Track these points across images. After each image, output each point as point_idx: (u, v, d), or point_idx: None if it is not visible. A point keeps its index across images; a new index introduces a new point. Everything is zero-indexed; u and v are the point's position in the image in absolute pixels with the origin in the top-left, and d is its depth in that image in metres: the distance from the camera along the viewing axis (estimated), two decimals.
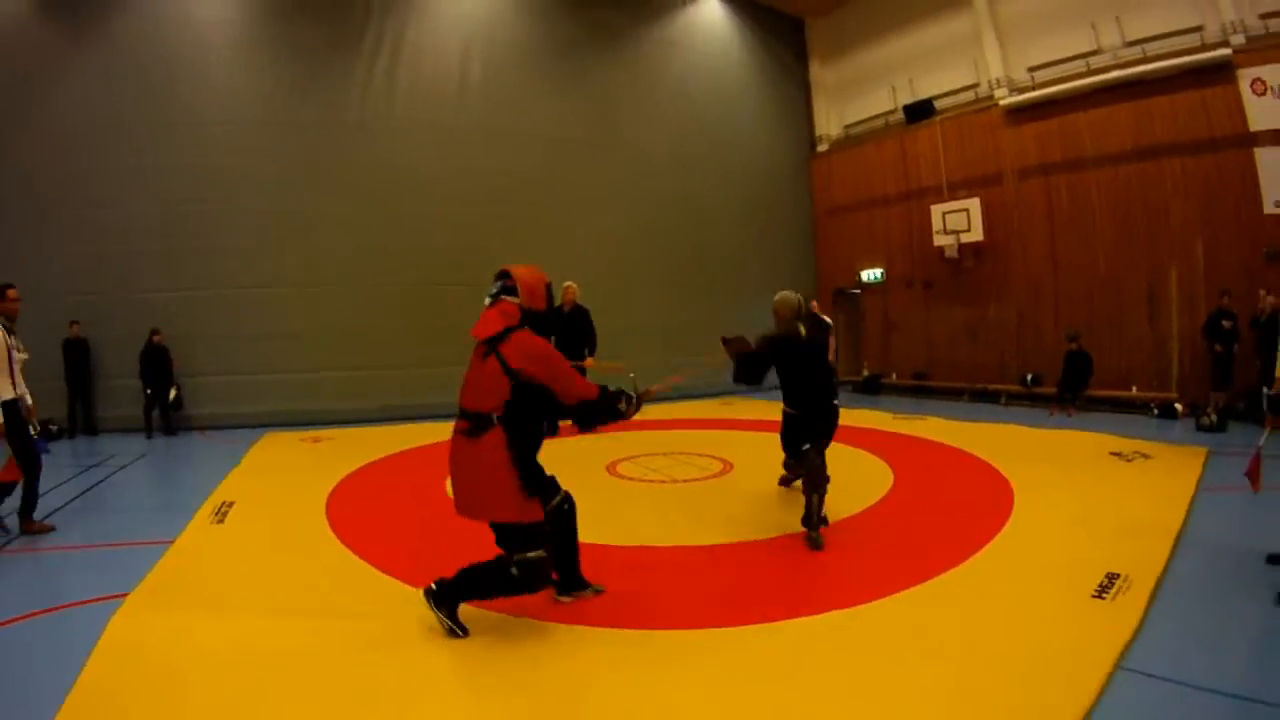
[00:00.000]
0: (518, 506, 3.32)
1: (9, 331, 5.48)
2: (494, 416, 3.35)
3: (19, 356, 5.55)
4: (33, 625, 3.82)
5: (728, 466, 7.40)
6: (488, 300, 3.67)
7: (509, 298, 3.60)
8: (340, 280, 11.50)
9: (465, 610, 3.47)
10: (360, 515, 5.85)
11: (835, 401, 5.23)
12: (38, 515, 5.62)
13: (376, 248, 11.77)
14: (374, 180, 11.80)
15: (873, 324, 15.28)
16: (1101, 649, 3.06)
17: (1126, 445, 7.61)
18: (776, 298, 5.25)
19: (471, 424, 3.39)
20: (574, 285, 8.78)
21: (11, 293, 5.55)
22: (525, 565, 3.31)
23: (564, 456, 7.53)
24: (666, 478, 7.04)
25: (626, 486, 6.76)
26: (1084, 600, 3.60)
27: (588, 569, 3.94)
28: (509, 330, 3.48)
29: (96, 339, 10.94)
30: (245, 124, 11.34)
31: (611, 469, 7.41)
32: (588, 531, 4.39)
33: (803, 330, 5.11)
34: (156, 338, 10.78)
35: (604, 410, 3.72)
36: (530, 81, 13.03)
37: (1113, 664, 2.94)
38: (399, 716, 2.80)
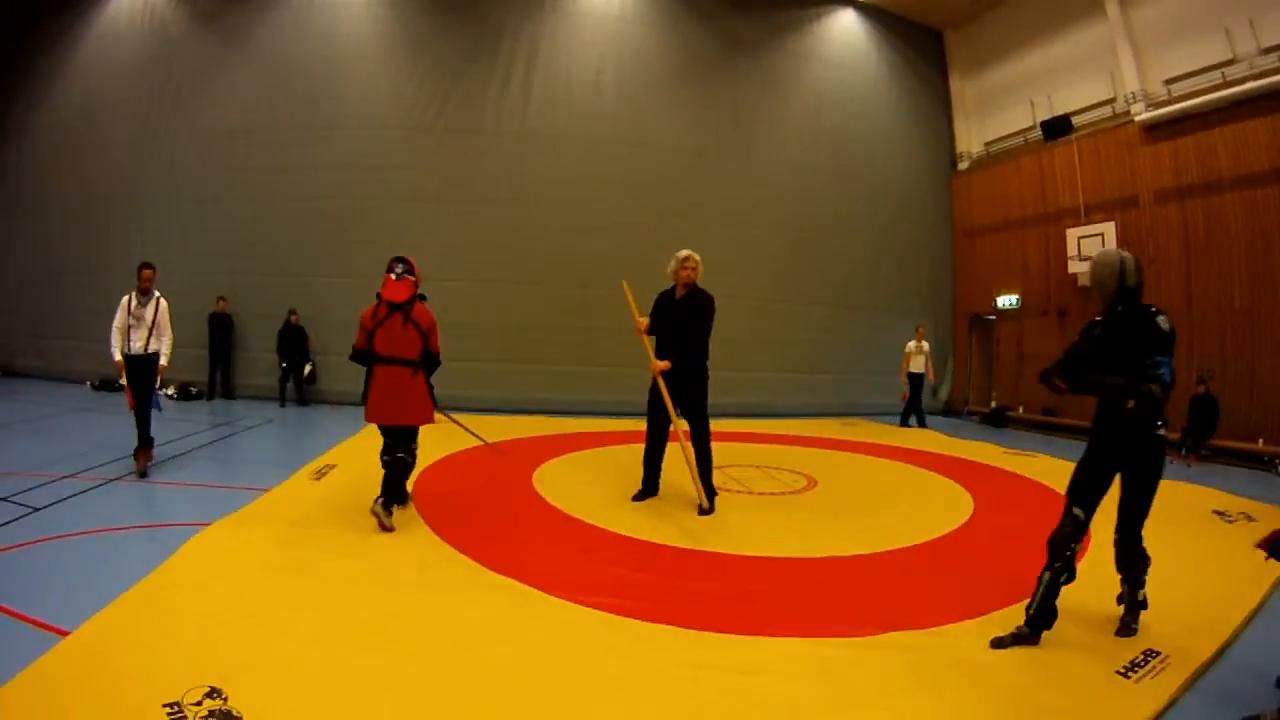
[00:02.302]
0: (428, 416, 5.82)
1: (140, 302, 7.13)
2: (417, 361, 5.73)
3: (142, 322, 7.13)
4: (130, 535, 5.23)
5: (811, 483, 8.07)
6: (394, 275, 5.96)
7: (410, 276, 5.94)
8: (468, 277, 13.39)
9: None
10: (442, 491, 6.79)
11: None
12: (155, 455, 7.40)
13: (504, 250, 13.69)
14: (507, 186, 13.81)
15: (1006, 353, 15.64)
16: None
17: (1233, 504, 7.38)
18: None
19: (410, 368, 5.72)
20: (680, 258, 6.88)
21: (146, 273, 7.17)
22: (413, 451, 5.88)
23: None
24: (745, 489, 7.64)
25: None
26: (1107, 675, 3.48)
27: (641, 567, 5.04)
28: (413, 299, 5.83)
29: (240, 314, 13.57)
30: (385, 129, 13.67)
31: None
32: (654, 535, 5.71)
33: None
34: (294, 318, 13.20)
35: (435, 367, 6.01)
36: (663, 93, 14.67)
37: None
38: (425, 649, 3.56)
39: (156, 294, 7.28)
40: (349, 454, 8.24)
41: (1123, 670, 3.50)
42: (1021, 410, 15.09)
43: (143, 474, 6.78)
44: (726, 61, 15.18)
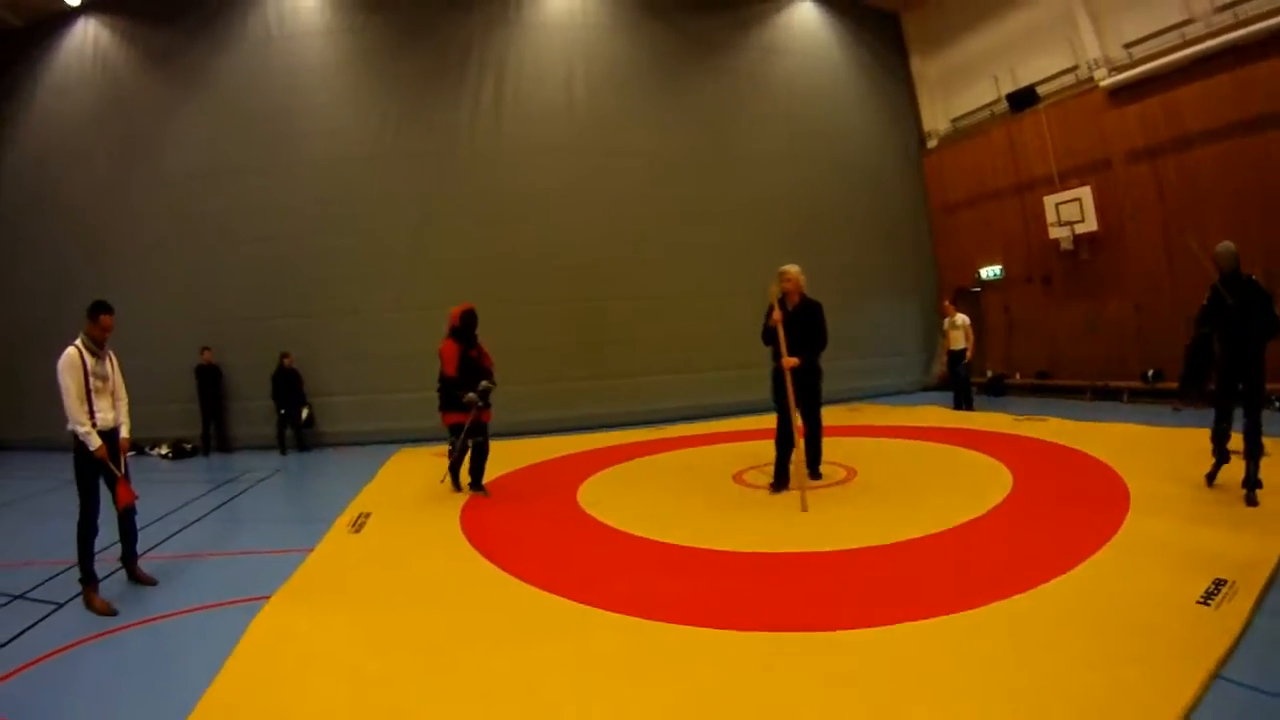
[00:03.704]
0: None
1: (96, 356, 5.67)
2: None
3: (107, 384, 5.78)
4: (181, 622, 4.91)
5: (851, 473, 8.51)
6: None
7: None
8: (458, 300, 13.85)
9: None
10: (495, 524, 7.09)
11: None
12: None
13: (495, 269, 14.27)
14: (490, 203, 14.52)
15: (995, 323, 16.96)
16: (1199, 657, 3.50)
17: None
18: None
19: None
20: (790, 272, 8.10)
21: (105, 319, 5.70)
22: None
23: (697, 462, 10.02)
24: (791, 486, 7.78)
25: (743, 493, 8.01)
26: (1188, 606, 4.10)
27: (711, 573, 5.43)
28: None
29: (230, 364, 14.00)
30: (357, 160, 14.30)
31: (738, 478, 8.74)
32: (682, 534, 6.20)
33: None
34: (287, 360, 13.64)
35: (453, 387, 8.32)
36: (635, 98, 15.62)
37: (1208, 673, 3.37)
38: (526, 705, 3.56)
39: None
40: (379, 498, 8.53)
41: (1202, 599, 4.15)
42: (1018, 376, 16.45)
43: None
44: (693, 62, 16.22)
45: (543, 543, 6.48)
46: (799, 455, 7.71)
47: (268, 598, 5.07)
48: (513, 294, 14.25)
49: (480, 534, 6.70)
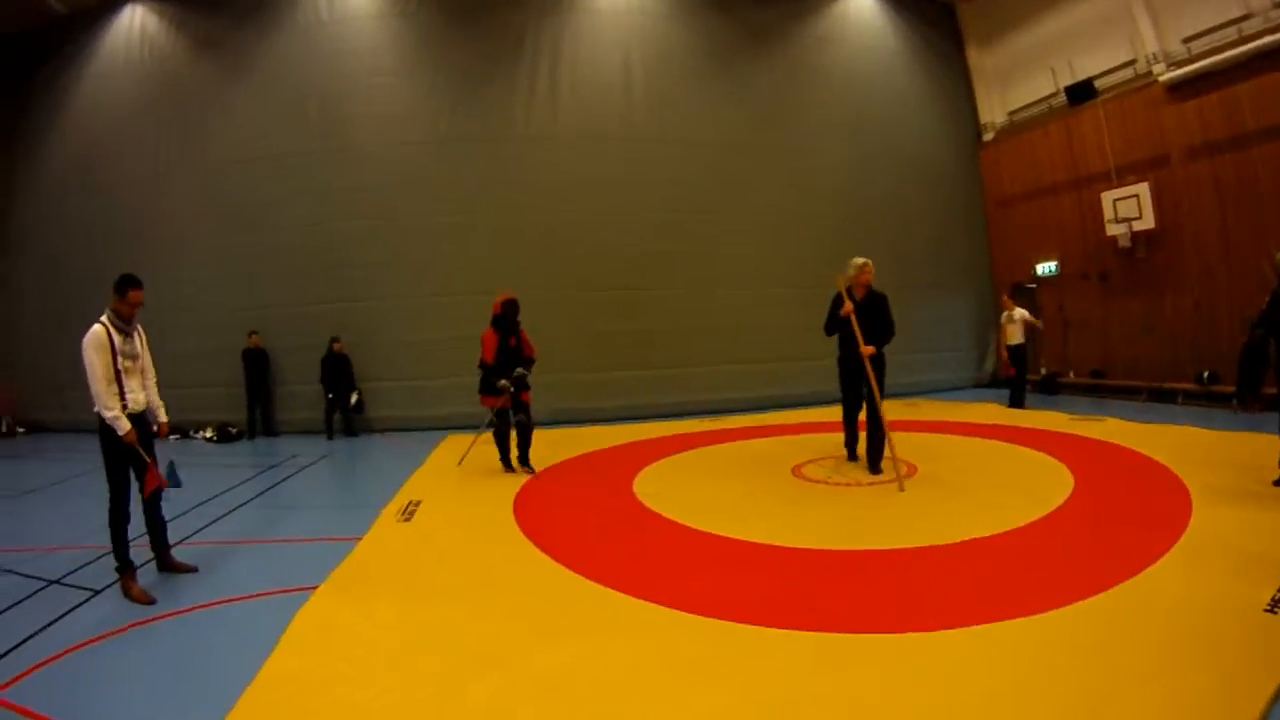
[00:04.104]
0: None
1: (124, 334, 5.45)
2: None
3: (137, 363, 5.59)
4: (227, 611, 4.87)
5: (912, 470, 8.38)
6: None
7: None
8: (512, 286, 14.09)
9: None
10: (549, 515, 7.11)
11: None
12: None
13: (547, 254, 14.64)
14: (542, 189, 14.81)
15: (1049, 320, 16.80)
16: (1269, 666, 3.50)
17: None
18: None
19: None
20: (857, 265, 8.61)
21: (134, 294, 5.43)
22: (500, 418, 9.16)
23: (754, 455, 10.14)
24: (852, 481, 8.10)
25: (804, 488, 7.99)
26: (1256, 614, 4.09)
27: (763, 570, 5.41)
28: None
29: (277, 348, 14.49)
30: (411, 144, 14.65)
31: (797, 471, 8.75)
32: (746, 529, 6.17)
33: None
34: (337, 345, 14.01)
35: (490, 373, 9.05)
36: (690, 86, 15.83)
37: (1278, 684, 3.35)
38: (588, 706, 3.49)
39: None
40: (429, 486, 8.57)
41: (1269, 607, 4.14)
42: (1072, 375, 16.44)
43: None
44: (750, 51, 16.41)
45: (599, 535, 6.47)
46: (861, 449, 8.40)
47: (314, 588, 5.04)
48: (564, 281, 14.60)
49: (534, 525, 6.70)
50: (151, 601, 5.05)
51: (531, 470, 9.17)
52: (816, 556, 5.62)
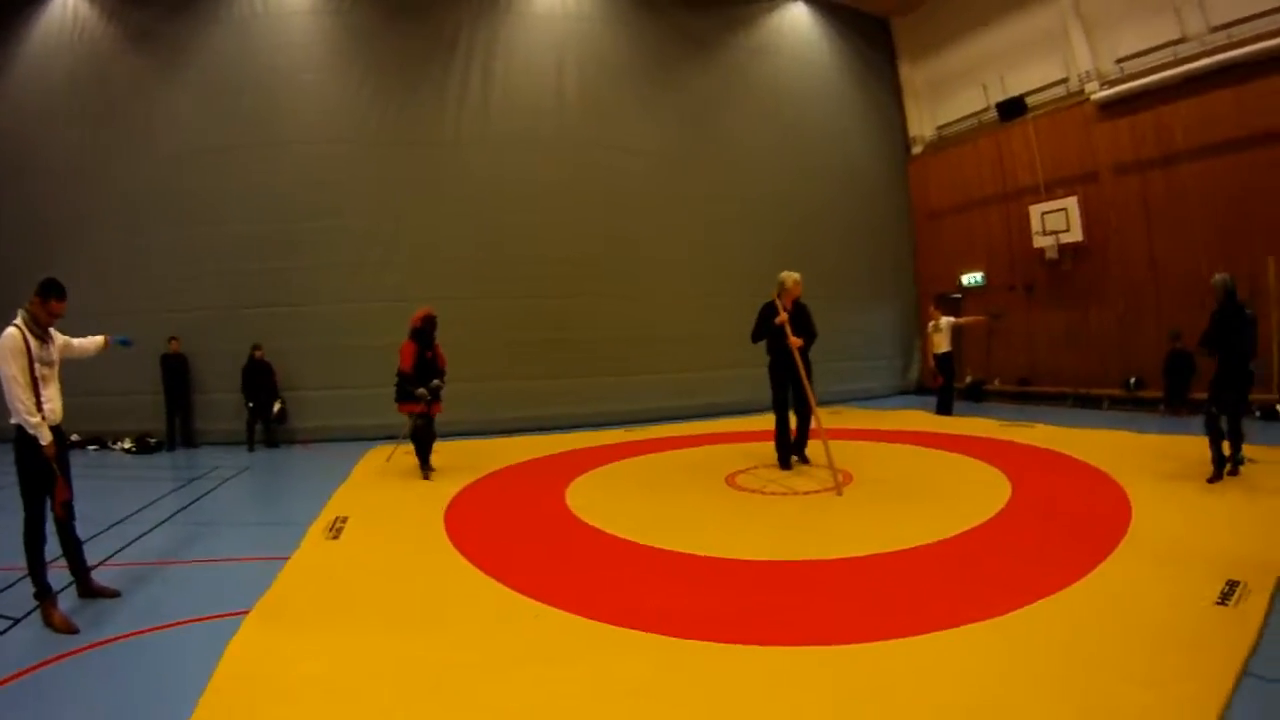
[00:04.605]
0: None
1: (40, 340, 5.00)
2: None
3: (54, 370, 5.14)
4: (152, 640, 4.40)
5: (848, 477, 8.31)
6: None
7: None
8: (442, 293, 13.26)
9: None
10: (481, 529, 6.77)
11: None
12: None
13: (477, 261, 13.98)
14: (473, 194, 14.11)
15: (975, 329, 16.96)
16: (1226, 655, 3.60)
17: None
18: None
19: None
20: (793, 279, 9.30)
21: (56, 305, 5.01)
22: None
23: (688, 465, 9.91)
24: (788, 489, 7.98)
25: (740, 498, 7.80)
26: (1207, 607, 4.22)
27: (671, 578, 5.32)
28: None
29: (196, 354, 13.38)
30: (340, 143, 13.77)
31: (731, 480, 8.56)
32: (687, 542, 5.93)
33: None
34: (258, 353, 13.06)
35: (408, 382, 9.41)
36: (625, 93, 15.35)
37: (1238, 670, 3.47)
38: None
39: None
40: (355, 501, 8.11)
41: (1219, 600, 4.28)
42: (998, 383, 16.50)
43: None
44: (684, 59, 16.01)
45: (536, 551, 6.13)
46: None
47: (244, 614, 4.65)
48: (494, 289, 14.02)
49: (469, 542, 6.33)
50: (74, 631, 4.55)
51: (431, 469, 9.65)
52: (761, 568, 5.45)
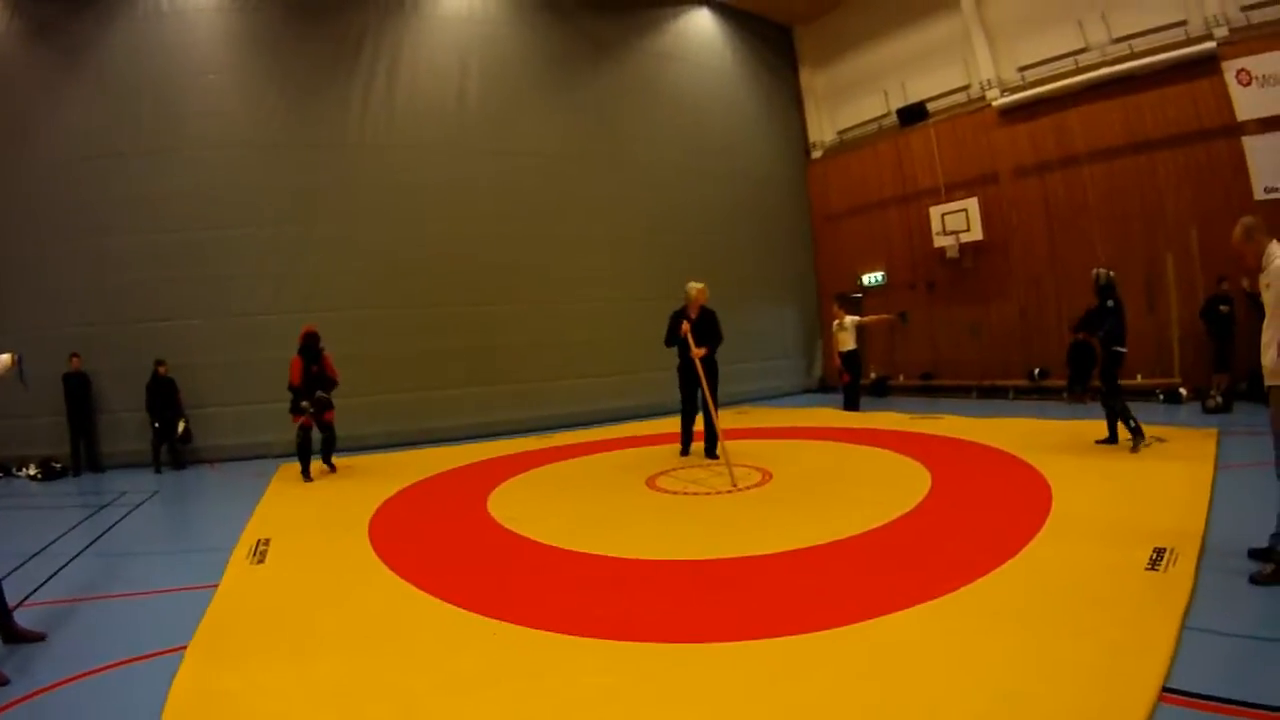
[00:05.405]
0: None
1: None
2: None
3: None
4: (89, 687, 3.89)
5: (767, 476, 8.23)
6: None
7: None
8: (344, 303, 12.74)
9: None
10: (408, 544, 6.44)
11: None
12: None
13: (382, 269, 13.15)
14: (378, 200, 13.21)
15: (878, 326, 17.13)
16: (1165, 614, 3.78)
17: (1143, 431, 8.52)
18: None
19: None
20: (697, 288, 9.82)
21: None
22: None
23: (606, 470, 9.66)
24: (710, 490, 7.80)
25: (665, 500, 7.57)
26: (1139, 573, 4.40)
27: (613, 583, 5.10)
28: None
29: (99, 371, 12.10)
30: (242, 148, 12.66)
31: (651, 482, 8.32)
32: (621, 546, 5.72)
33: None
34: (162, 369, 11.88)
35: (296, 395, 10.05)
36: (527, 97, 14.60)
37: (1178, 626, 3.65)
38: None
39: None
40: (274, 521, 7.63)
41: (1149, 566, 4.48)
42: (902, 378, 16.57)
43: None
44: (588, 63, 15.42)
45: (468, 563, 5.82)
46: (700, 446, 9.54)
47: (180, 649, 4.19)
48: (401, 298, 13.34)
49: (398, 558, 5.94)
50: (4, 681, 3.97)
51: (332, 468, 10.49)
52: (697, 567, 5.29)
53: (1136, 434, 8.12)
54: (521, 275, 14.35)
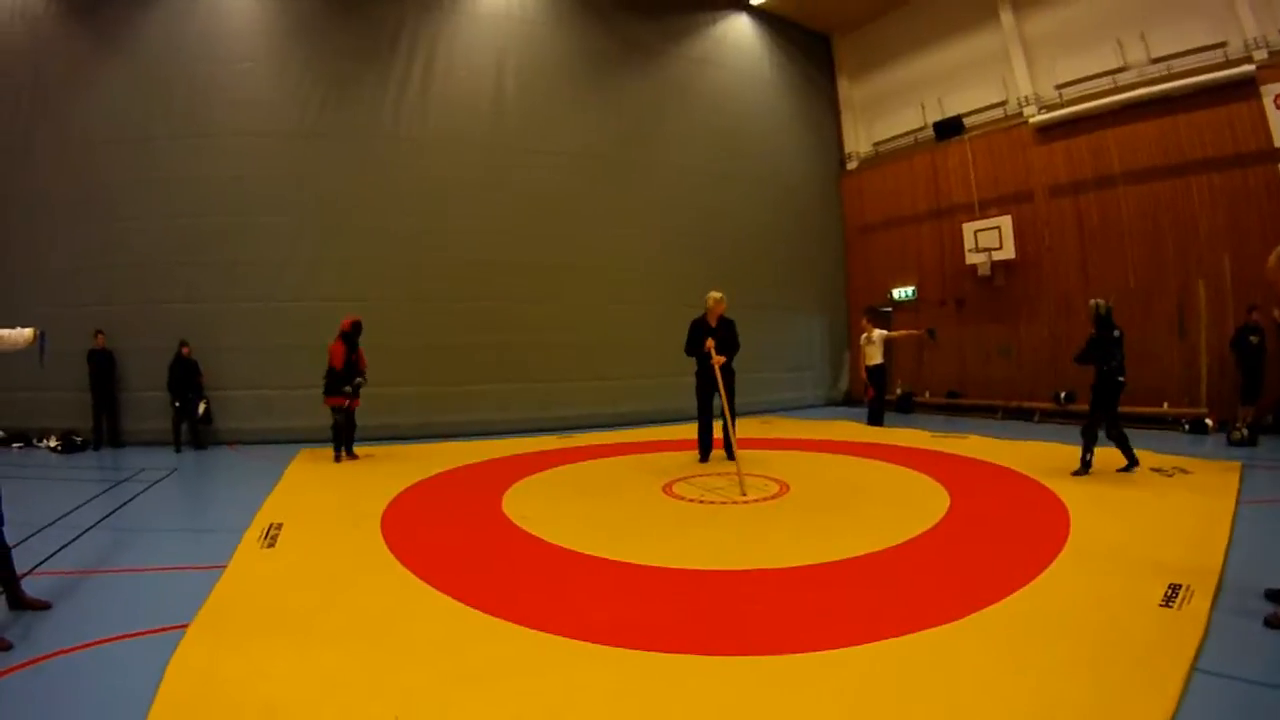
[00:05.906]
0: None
1: None
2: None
3: None
4: (88, 658, 3.90)
5: (784, 488, 8.06)
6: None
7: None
8: (371, 294, 12.70)
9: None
10: (418, 538, 6.33)
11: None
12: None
13: (409, 261, 13.14)
14: (407, 193, 13.21)
15: (905, 342, 16.94)
16: (1175, 654, 3.62)
17: (1165, 461, 8.62)
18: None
19: None
20: (715, 297, 9.90)
21: None
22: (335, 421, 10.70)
23: (624, 473, 9.52)
24: (725, 499, 7.65)
25: (680, 507, 7.42)
26: (1153, 609, 4.21)
27: (621, 589, 5.00)
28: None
29: (123, 350, 12.22)
30: (275, 136, 12.73)
31: (668, 489, 8.15)
32: (632, 552, 5.59)
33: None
34: (185, 350, 12.00)
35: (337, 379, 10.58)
36: (563, 97, 14.59)
37: (1188, 667, 3.48)
38: None
39: None
40: (288, 507, 7.56)
41: (1163, 602, 4.30)
42: (927, 395, 16.26)
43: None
44: (625, 65, 15.34)
45: (478, 561, 5.72)
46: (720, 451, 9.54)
47: (182, 627, 4.17)
48: (426, 291, 13.31)
49: (408, 551, 5.88)
50: (8, 647, 4.02)
51: (354, 455, 10.81)
52: (707, 577, 5.16)
53: (1085, 466, 8.26)
54: (548, 274, 14.27)
